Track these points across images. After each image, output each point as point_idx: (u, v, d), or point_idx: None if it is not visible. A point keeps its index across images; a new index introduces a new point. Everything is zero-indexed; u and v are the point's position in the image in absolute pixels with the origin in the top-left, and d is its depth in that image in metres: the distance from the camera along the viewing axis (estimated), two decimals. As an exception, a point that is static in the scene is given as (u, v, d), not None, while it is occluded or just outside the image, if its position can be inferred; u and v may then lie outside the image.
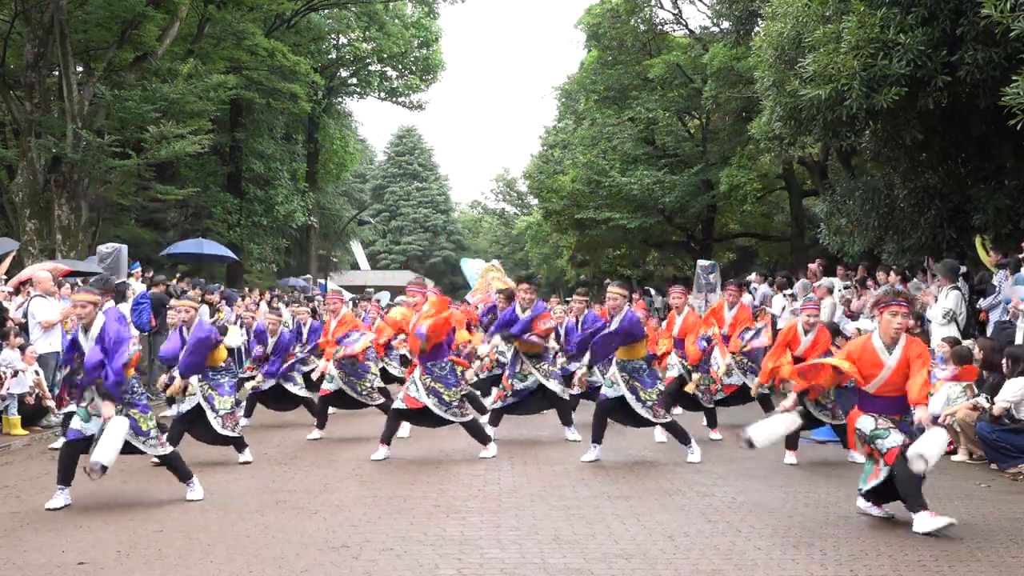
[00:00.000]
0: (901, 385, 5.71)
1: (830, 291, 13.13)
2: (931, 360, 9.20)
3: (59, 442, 8.13)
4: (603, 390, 8.10)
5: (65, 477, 6.28)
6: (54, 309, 10.38)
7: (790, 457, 7.95)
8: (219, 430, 7.69)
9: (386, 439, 8.22)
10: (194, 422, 7.84)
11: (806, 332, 8.25)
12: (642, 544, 5.22)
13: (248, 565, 4.83)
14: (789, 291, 14.91)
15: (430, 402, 7.99)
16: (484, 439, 8.28)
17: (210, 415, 7.76)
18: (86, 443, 6.26)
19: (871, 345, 5.81)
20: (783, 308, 14.16)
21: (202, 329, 7.77)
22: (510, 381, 9.06)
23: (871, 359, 5.77)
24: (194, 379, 7.78)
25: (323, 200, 34.03)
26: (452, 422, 8.12)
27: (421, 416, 8.25)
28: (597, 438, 8.02)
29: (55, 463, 7.53)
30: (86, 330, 6.33)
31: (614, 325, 7.87)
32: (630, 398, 7.82)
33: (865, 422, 5.84)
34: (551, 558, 4.95)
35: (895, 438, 5.62)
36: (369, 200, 56.72)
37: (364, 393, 9.64)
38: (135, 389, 6.45)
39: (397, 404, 8.23)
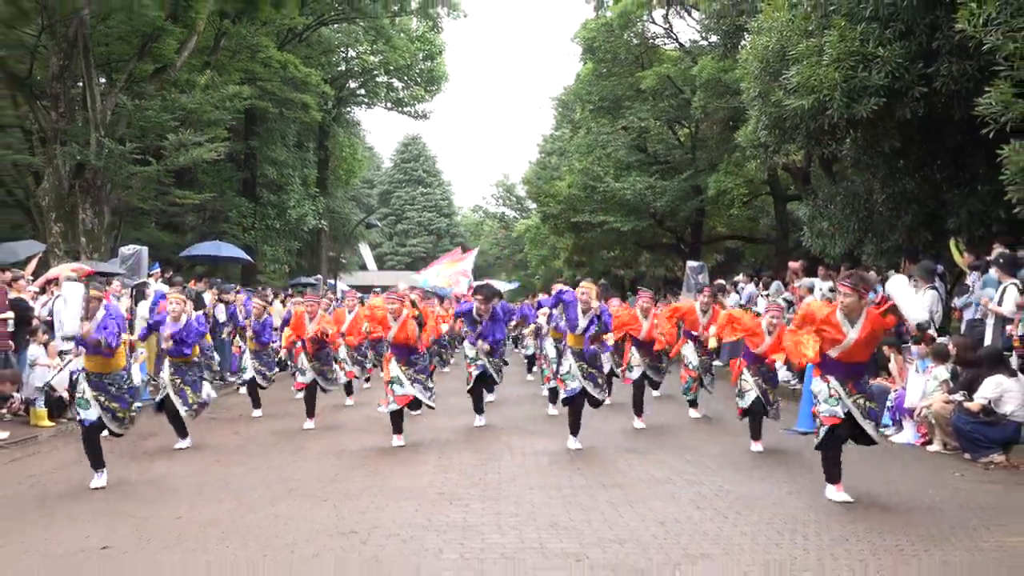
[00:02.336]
0: (864, 354, 6.08)
1: (811, 290, 13.12)
2: (909, 356, 9.26)
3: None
4: (569, 386, 8.07)
5: (96, 462, 6.65)
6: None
7: (756, 446, 8.16)
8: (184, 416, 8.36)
9: (400, 429, 8.55)
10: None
11: (769, 332, 8.24)
12: (635, 530, 5.23)
13: (262, 550, 4.83)
14: (765, 292, 14.96)
15: (416, 391, 8.37)
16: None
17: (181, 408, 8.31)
18: (99, 427, 6.69)
19: (835, 319, 5.99)
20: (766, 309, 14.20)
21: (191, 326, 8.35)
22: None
23: (835, 330, 6.00)
24: (166, 372, 8.34)
25: (333, 204, 33.96)
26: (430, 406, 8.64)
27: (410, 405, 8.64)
28: (575, 430, 8.24)
29: (82, 452, 7.56)
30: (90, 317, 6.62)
31: (583, 323, 8.02)
32: (588, 387, 8.04)
33: (819, 386, 6.15)
34: (549, 543, 4.95)
35: (838, 410, 6.00)
36: (376, 204, 56.66)
37: (332, 379, 10.45)
38: (123, 385, 6.86)
39: (391, 407, 8.38)
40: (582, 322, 8.04)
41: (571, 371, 8.06)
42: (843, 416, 6.00)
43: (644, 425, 9.49)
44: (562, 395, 8.29)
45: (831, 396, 6.06)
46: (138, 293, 13.00)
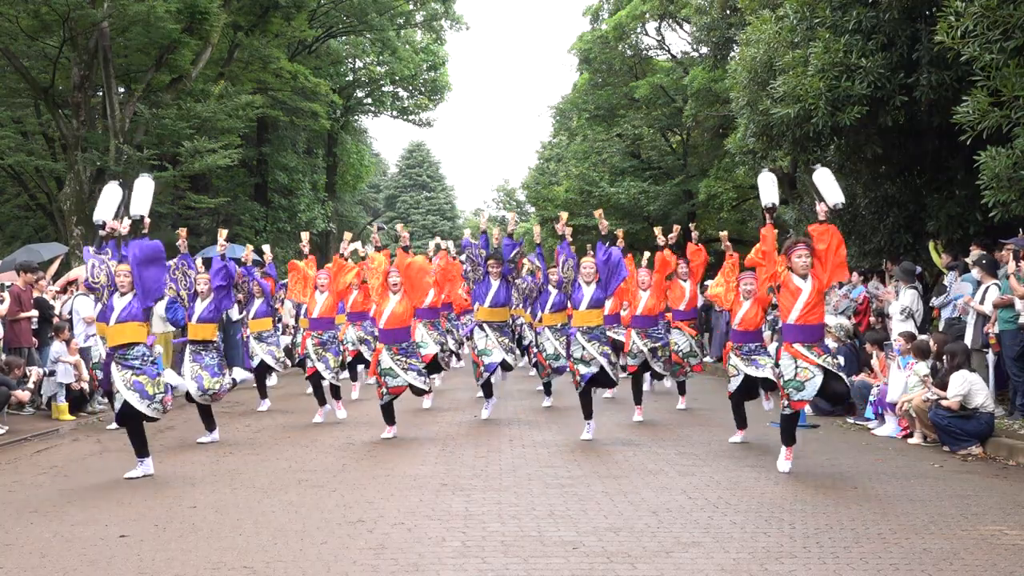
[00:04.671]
0: (818, 313, 6.38)
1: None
2: (892, 353, 9.25)
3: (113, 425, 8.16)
4: (582, 371, 7.86)
5: (140, 450, 6.48)
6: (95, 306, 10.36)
7: (737, 436, 8.07)
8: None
9: (392, 421, 8.30)
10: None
11: (745, 299, 7.89)
12: (629, 519, 5.21)
13: (273, 538, 4.82)
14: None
15: (410, 378, 8.02)
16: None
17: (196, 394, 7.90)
18: (130, 415, 6.34)
19: (789, 278, 6.40)
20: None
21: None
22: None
23: (790, 289, 6.38)
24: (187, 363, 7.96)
25: (341, 208, 33.99)
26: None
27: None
28: (588, 415, 8.08)
29: (101, 444, 7.57)
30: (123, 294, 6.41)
31: (588, 292, 7.93)
32: (604, 363, 7.81)
33: (787, 367, 6.40)
34: (547, 531, 4.94)
35: (808, 391, 6.30)
36: (383, 208, 56.62)
37: (333, 369, 9.34)
38: (146, 357, 6.42)
39: (386, 399, 8.11)
40: (586, 292, 7.90)
41: (584, 354, 7.82)
42: (811, 399, 6.48)
43: (643, 417, 9.38)
44: (579, 380, 7.86)
45: (797, 379, 6.31)
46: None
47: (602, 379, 8.00)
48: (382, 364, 8.04)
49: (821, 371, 6.28)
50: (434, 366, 10.29)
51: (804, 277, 6.36)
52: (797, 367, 6.33)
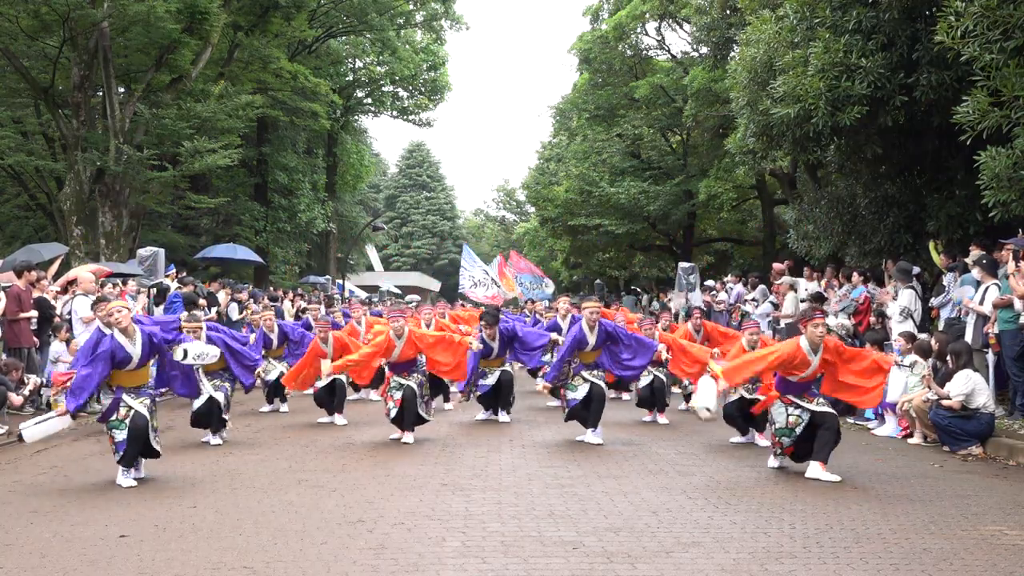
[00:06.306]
0: (817, 375, 6.54)
1: (792, 287, 13.09)
2: (891, 354, 9.25)
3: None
4: (570, 396, 8.11)
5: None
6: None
7: (737, 436, 8.16)
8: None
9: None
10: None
11: (752, 348, 7.92)
12: (629, 519, 5.21)
13: (273, 538, 4.82)
14: (750, 295, 14.90)
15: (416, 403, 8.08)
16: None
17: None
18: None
19: (800, 350, 6.39)
20: (756, 306, 14.17)
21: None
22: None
23: (802, 360, 6.39)
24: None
25: (341, 208, 34.02)
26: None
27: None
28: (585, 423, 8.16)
29: (101, 444, 7.55)
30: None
31: (592, 339, 8.01)
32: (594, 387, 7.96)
33: (778, 413, 6.59)
34: (547, 531, 4.94)
35: (790, 440, 6.53)
36: (383, 208, 56.67)
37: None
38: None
39: (394, 412, 8.12)
40: (591, 339, 8.02)
41: (576, 381, 8.08)
42: (796, 442, 6.52)
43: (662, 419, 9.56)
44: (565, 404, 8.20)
45: (788, 427, 6.51)
46: (158, 294, 13.01)
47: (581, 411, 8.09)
48: (391, 382, 8.19)
49: (809, 413, 6.47)
50: (441, 387, 10.53)
51: (815, 351, 6.38)
52: (788, 414, 6.53)
